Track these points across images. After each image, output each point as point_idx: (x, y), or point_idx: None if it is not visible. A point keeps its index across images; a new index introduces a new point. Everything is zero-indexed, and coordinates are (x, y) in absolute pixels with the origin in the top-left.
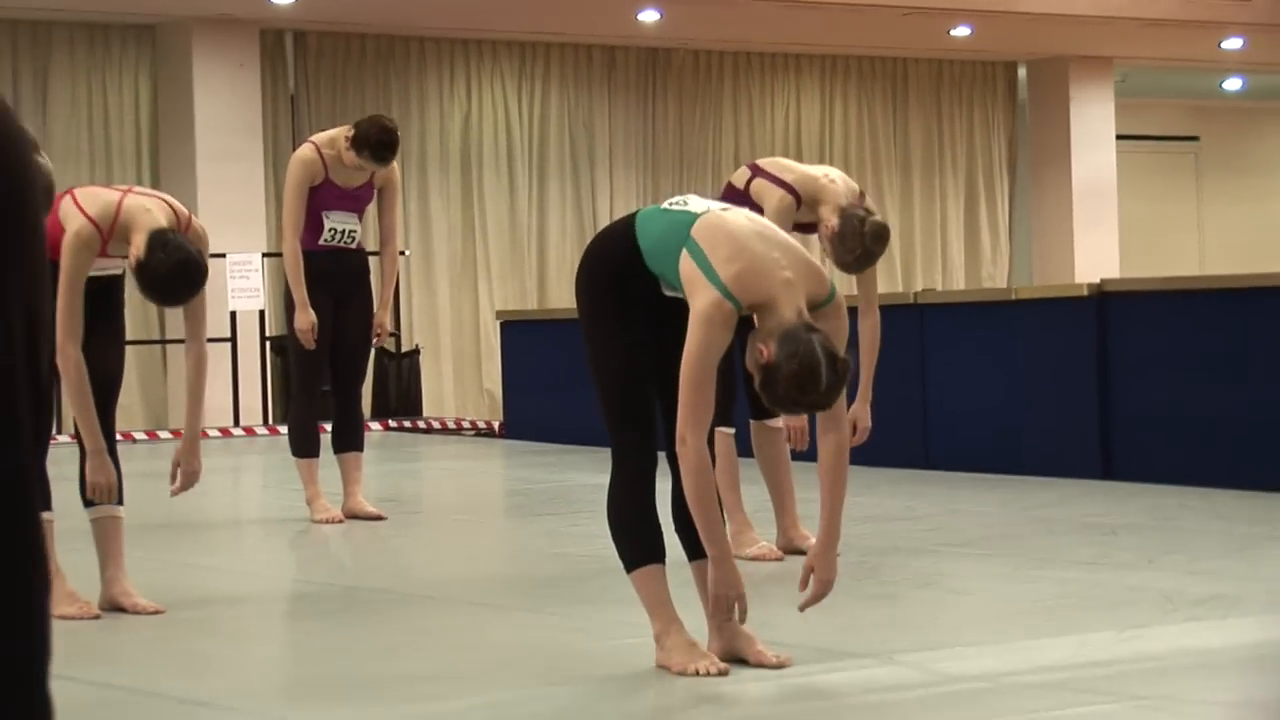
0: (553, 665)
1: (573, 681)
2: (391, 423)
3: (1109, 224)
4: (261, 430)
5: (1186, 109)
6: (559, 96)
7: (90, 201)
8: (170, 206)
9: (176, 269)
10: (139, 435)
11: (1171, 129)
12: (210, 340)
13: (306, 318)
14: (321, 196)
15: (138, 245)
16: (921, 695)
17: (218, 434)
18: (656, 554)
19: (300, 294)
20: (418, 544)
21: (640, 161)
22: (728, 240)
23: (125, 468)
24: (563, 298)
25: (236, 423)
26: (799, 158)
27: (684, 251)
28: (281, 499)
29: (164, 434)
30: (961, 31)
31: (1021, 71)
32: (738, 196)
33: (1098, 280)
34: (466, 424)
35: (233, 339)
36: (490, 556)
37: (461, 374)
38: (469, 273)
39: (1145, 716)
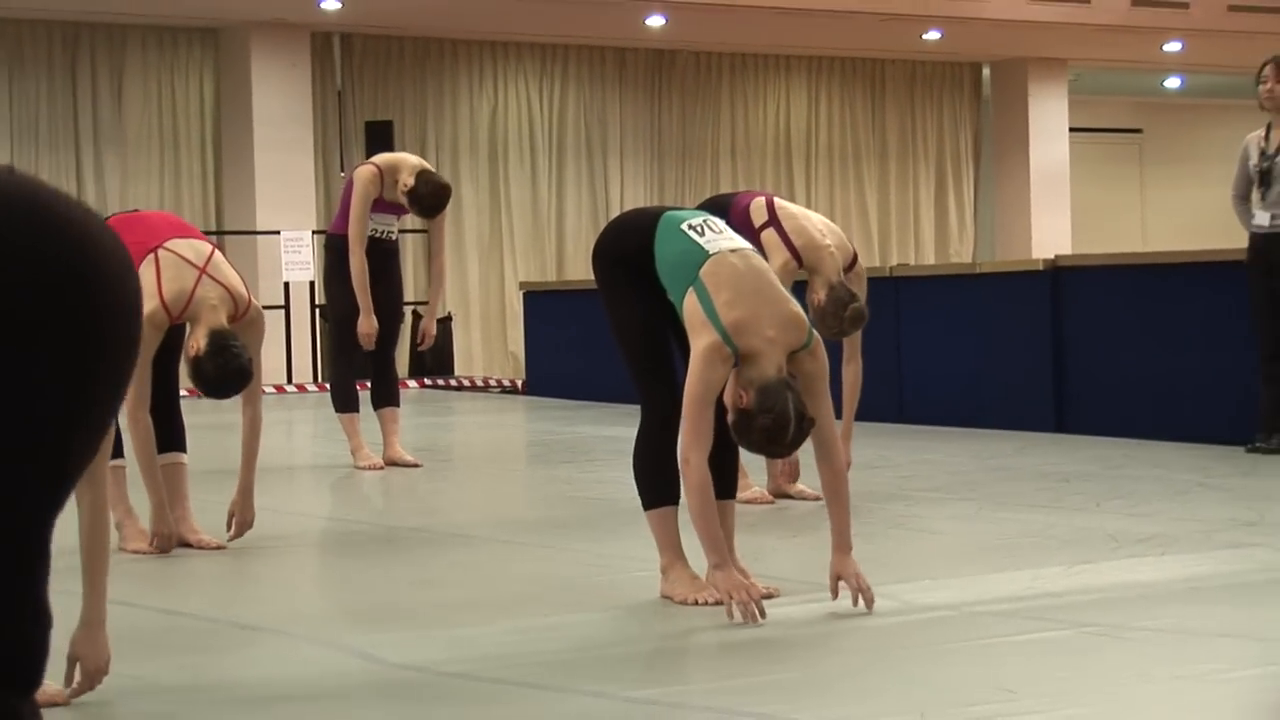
0: (570, 595)
1: (588, 609)
2: (426, 381)
3: (1062, 207)
4: (311, 387)
5: (1132, 105)
6: (575, 93)
7: (169, 280)
8: (233, 297)
9: (227, 376)
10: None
11: (1118, 123)
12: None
13: (370, 323)
14: (373, 204)
15: (198, 340)
16: (895, 622)
17: (273, 390)
18: (671, 497)
19: (365, 301)
20: (450, 488)
21: (647, 151)
22: (730, 286)
23: (189, 420)
24: (579, 270)
25: (289, 380)
26: (788, 148)
27: (691, 290)
28: (329, 449)
29: None
30: (932, 35)
31: (985, 71)
32: (749, 231)
33: (1052, 256)
34: (493, 382)
35: (286, 307)
36: (514, 500)
37: (488, 338)
38: (495, 248)
39: (1092, 641)
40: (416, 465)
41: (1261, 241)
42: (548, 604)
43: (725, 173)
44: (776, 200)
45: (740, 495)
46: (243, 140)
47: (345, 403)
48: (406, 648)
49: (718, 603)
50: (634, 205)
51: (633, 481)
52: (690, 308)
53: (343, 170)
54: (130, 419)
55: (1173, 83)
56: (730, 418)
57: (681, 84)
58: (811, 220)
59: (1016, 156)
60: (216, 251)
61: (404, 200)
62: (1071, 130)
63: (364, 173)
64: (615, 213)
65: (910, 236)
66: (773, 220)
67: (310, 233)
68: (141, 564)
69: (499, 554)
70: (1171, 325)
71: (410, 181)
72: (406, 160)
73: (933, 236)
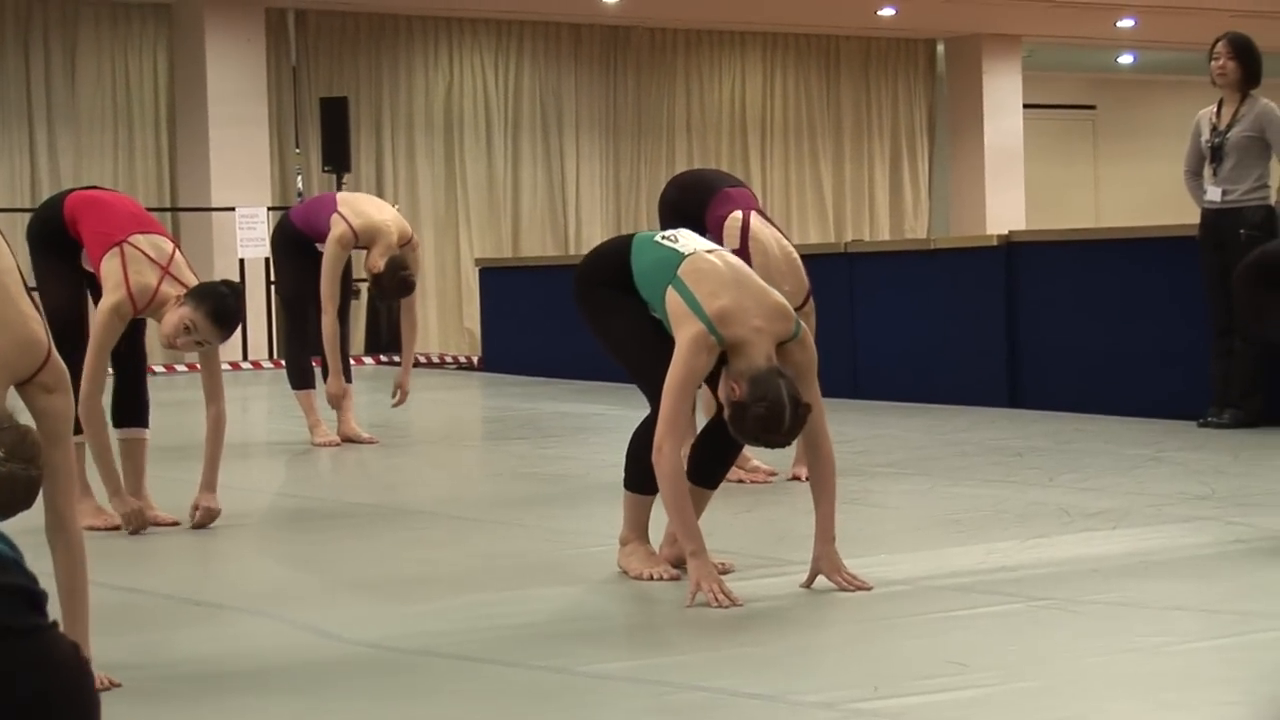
0: (527, 570)
1: (546, 584)
2: (383, 357)
3: (1016, 182)
4: (267, 364)
5: (1085, 81)
6: (531, 69)
7: (135, 274)
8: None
9: None
10: (158, 368)
11: (1072, 99)
12: None
13: (339, 384)
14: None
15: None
16: (849, 597)
17: (228, 367)
18: (654, 489)
19: (335, 364)
20: (406, 465)
21: (602, 127)
22: (711, 279)
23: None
24: (534, 246)
25: (245, 357)
26: (743, 124)
27: (670, 289)
28: (285, 425)
29: (180, 368)
30: (887, 12)
31: (940, 48)
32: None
33: (1006, 232)
34: (449, 358)
35: (241, 283)
36: (470, 476)
37: (444, 314)
38: (451, 224)
39: (1044, 615)
40: (372, 442)
41: (1213, 217)
42: (505, 580)
43: (681, 149)
44: (753, 221)
45: (743, 469)
46: (197, 117)
47: (301, 379)
48: (364, 624)
49: (671, 579)
50: (590, 181)
51: (613, 459)
52: (673, 303)
53: (297, 147)
54: (84, 406)
55: (1126, 59)
56: (725, 413)
57: (637, 60)
58: (775, 257)
59: (971, 133)
60: (177, 251)
61: (366, 272)
62: (1025, 107)
63: (339, 234)
64: (571, 188)
65: (865, 212)
66: (741, 249)
67: (265, 209)
68: (99, 541)
69: (456, 530)
70: (1124, 301)
71: (379, 265)
72: (384, 231)
73: (887, 212)
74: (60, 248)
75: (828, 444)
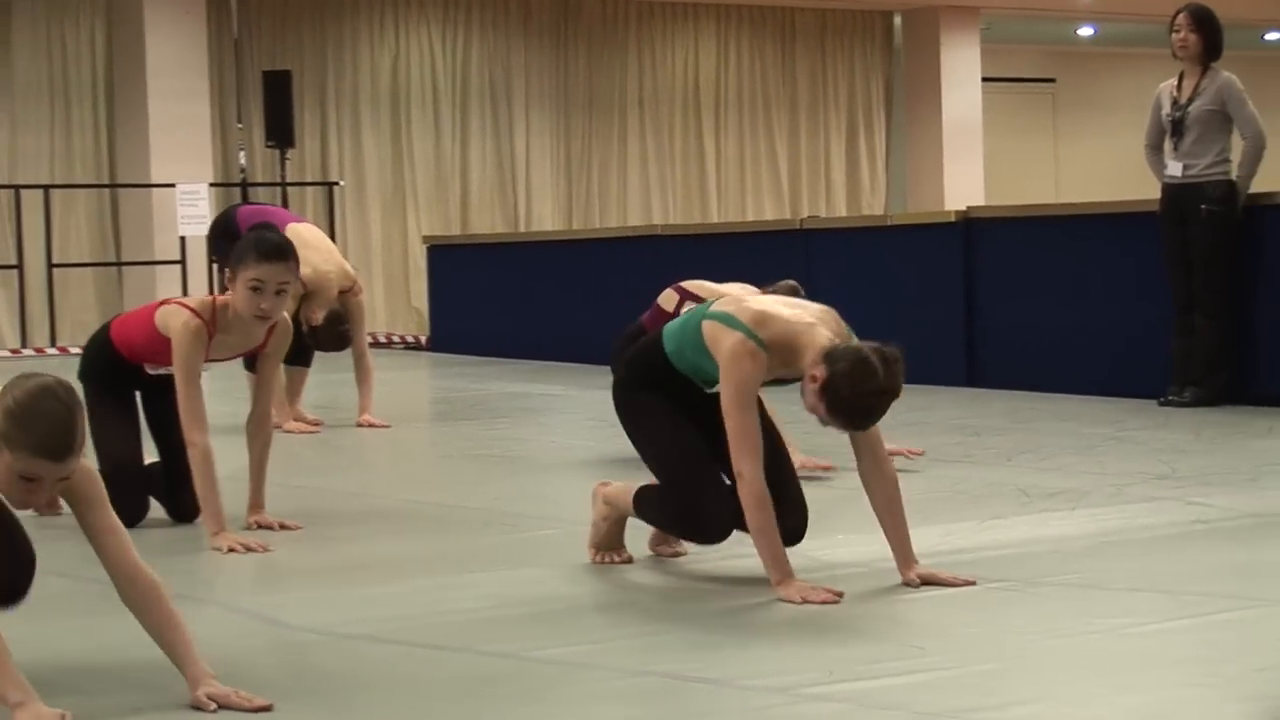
0: (475, 554)
1: (493, 568)
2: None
3: (974, 157)
4: None
5: (1044, 54)
6: (479, 41)
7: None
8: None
9: None
10: None
11: (1031, 72)
12: (162, 263)
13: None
14: None
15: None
16: (803, 580)
17: None
18: (649, 517)
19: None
20: (352, 447)
21: (553, 101)
22: (745, 299)
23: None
24: (483, 223)
25: None
26: (697, 98)
27: (704, 323)
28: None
29: None
30: None
31: (897, 20)
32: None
33: (964, 208)
34: (397, 338)
35: (183, 261)
36: (418, 458)
37: (392, 293)
38: (398, 201)
39: (1002, 597)
40: (318, 424)
41: (1173, 192)
42: (454, 564)
43: (633, 123)
44: (686, 284)
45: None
46: (136, 90)
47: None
48: (307, 609)
49: (625, 561)
50: (540, 157)
51: (564, 441)
52: (710, 330)
53: (240, 122)
54: (189, 444)
55: (1086, 31)
56: (824, 410)
57: (588, 33)
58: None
59: (928, 107)
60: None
61: (302, 321)
62: (984, 80)
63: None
64: (521, 164)
65: (821, 187)
66: (685, 297)
67: (206, 186)
68: (46, 529)
69: (402, 513)
70: (1084, 277)
71: (317, 319)
72: (326, 285)
73: (844, 187)
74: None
75: (889, 463)
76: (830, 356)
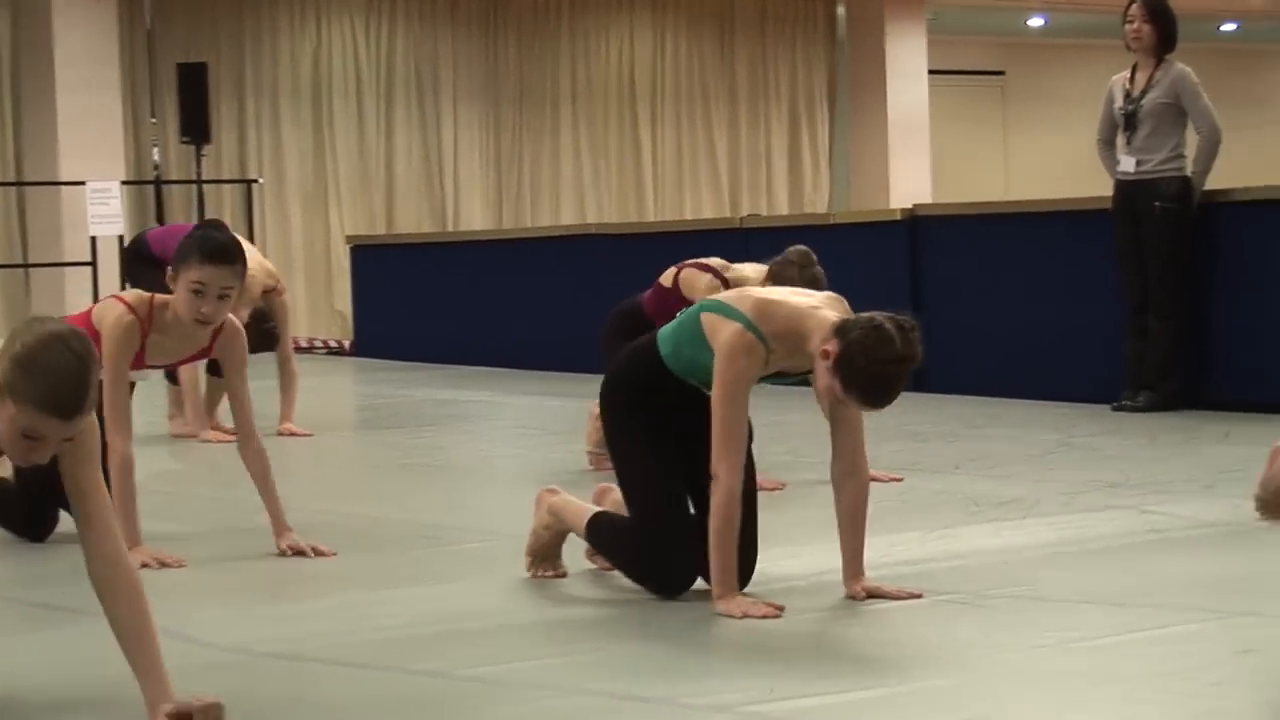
0: (401, 568)
1: (420, 583)
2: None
3: (921, 152)
4: None
5: (993, 45)
6: (405, 31)
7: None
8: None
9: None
10: None
11: (979, 64)
12: (72, 264)
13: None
14: None
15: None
16: (748, 593)
17: None
18: (602, 545)
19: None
20: (272, 456)
21: (482, 92)
22: (745, 290)
23: None
24: (409, 222)
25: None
26: (632, 90)
27: (703, 315)
28: (143, 415)
29: None
30: None
31: (840, 9)
32: (666, 296)
33: (910, 205)
34: (319, 342)
35: (93, 263)
36: (341, 468)
37: (313, 295)
38: (319, 199)
39: (949, 610)
40: (235, 434)
41: (1126, 188)
42: (379, 578)
43: (566, 117)
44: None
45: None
46: (44, 82)
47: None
48: (225, 626)
49: (560, 575)
50: (469, 152)
51: (493, 450)
52: (708, 322)
53: (153, 116)
54: (109, 448)
55: (1036, 22)
56: (839, 388)
57: (518, 22)
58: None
59: (873, 100)
60: None
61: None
62: (930, 72)
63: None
64: (449, 159)
65: (762, 184)
66: (681, 267)
67: (119, 183)
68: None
69: (325, 526)
70: (1035, 277)
71: (243, 319)
72: (249, 284)
73: (786, 184)
74: None
75: (867, 466)
76: (842, 328)
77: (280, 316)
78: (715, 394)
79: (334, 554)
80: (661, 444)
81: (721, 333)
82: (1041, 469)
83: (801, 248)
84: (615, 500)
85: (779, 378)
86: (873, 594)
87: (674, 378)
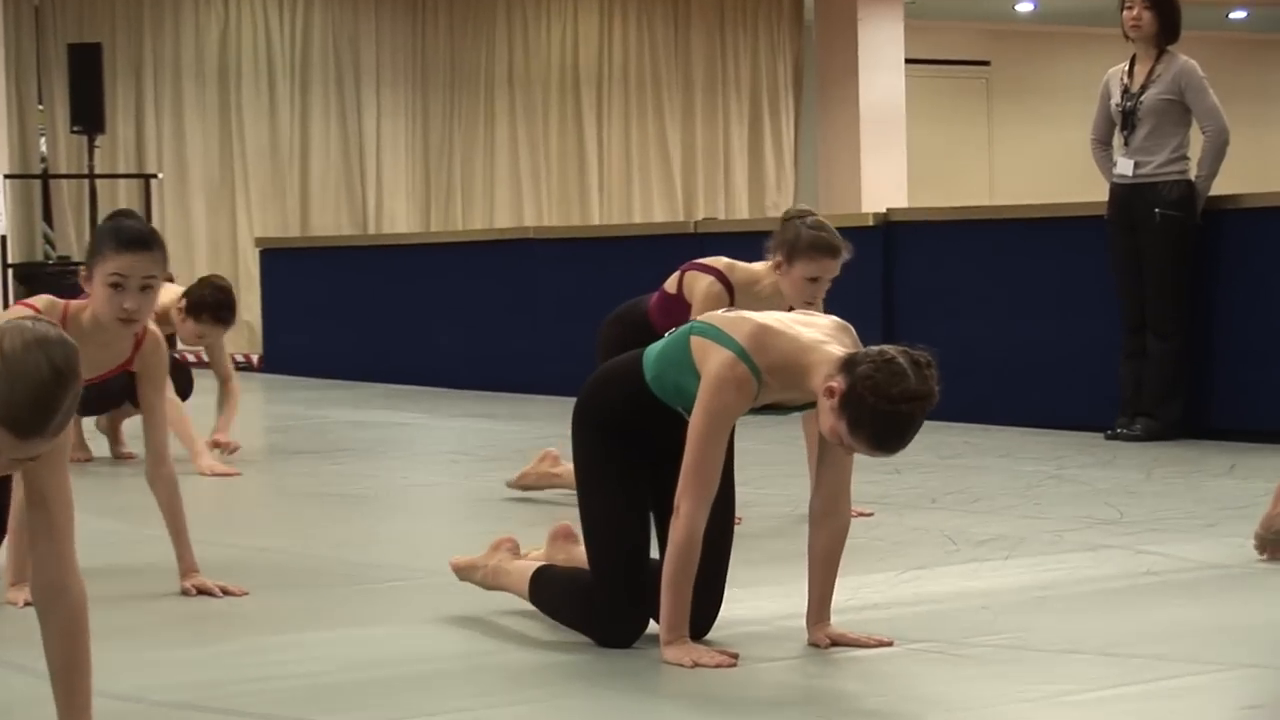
0: (315, 608)
1: (337, 625)
2: None
3: (897, 150)
4: None
5: (977, 32)
6: (322, 10)
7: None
8: None
9: None
10: None
11: (962, 53)
12: None
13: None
14: None
15: None
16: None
17: None
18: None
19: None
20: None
21: (409, 78)
22: (739, 315)
23: None
24: (326, 224)
25: None
26: (575, 78)
27: (693, 338)
28: None
29: None
30: None
31: None
32: (671, 300)
33: (884, 209)
34: None
35: None
36: (249, 498)
37: None
38: (226, 196)
39: (922, 660)
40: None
41: (1124, 193)
42: (288, 620)
43: (502, 106)
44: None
45: None
46: None
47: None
48: (118, 672)
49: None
50: (393, 145)
51: (419, 478)
52: (698, 346)
53: (41, 103)
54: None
55: (1025, 7)
56: (845, 430)
57: (450, 1)
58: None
59: (844, 91)
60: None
61: (194, 330)
62: (908, 62)
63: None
64: (371, 154)
65: (720, 184)
66: (688, 266)
67: (2, 176)
68: None
69: (232, 561)
70: (1021, 291)
71: (181, 304)
72: (176, 302)
73: (746, 185)
74: None
75: (850, 507)
76: (849, 363)
77: (219, 352)
78: (694, 425)
79: (245, 593)
80: (635, 480)
81: (711, 360)
82: (1027, 504)
83: (804, 207)
84: (515, 571)
85: (768, 410)
86: (838, 642)
87: (659, 403)
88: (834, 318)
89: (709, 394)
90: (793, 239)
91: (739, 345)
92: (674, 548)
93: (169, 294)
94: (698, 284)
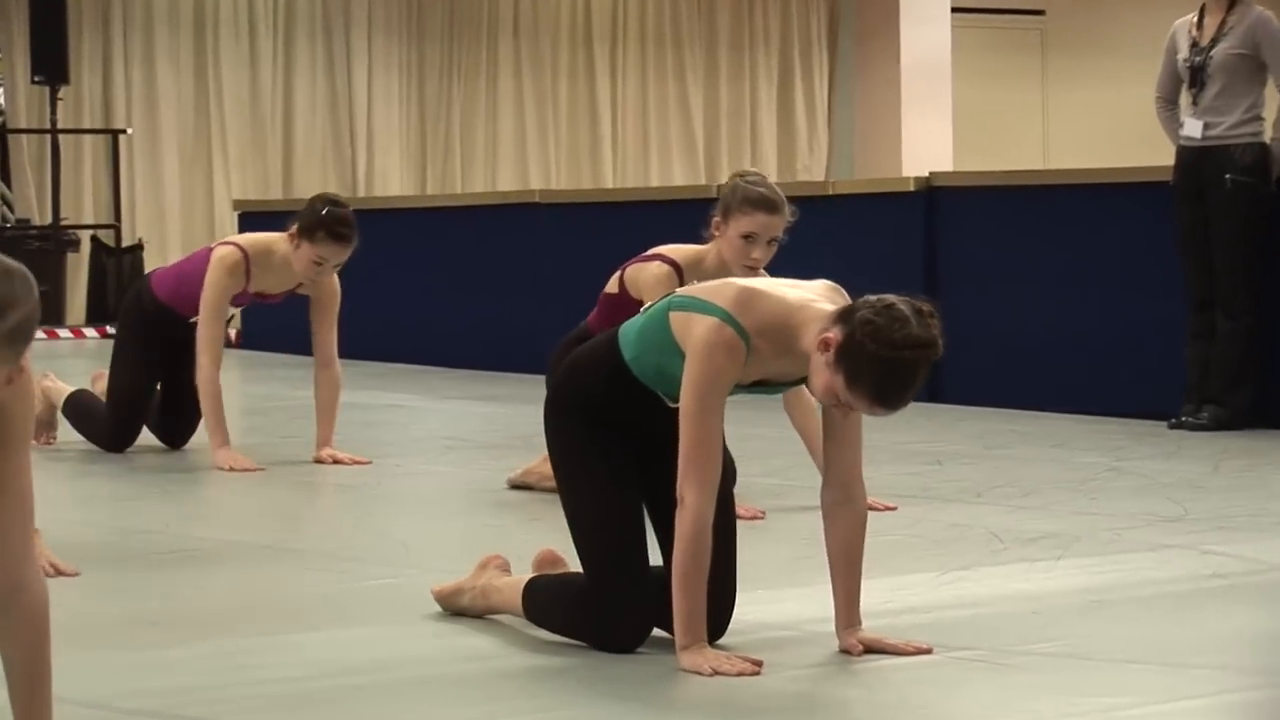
0: (294, 608)
1: (315, 626)
2: (110, 329)
3: (942, 108)
4: None
5: None
6: None
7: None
8: None
9: None
10: None
11: (1014, 2)
12: None
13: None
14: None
15: None
16: (720, 646)
17: None
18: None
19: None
20: (142, 473)
21: (403, 27)
22: (719, 281)
23: None
24: (311, 185)
25: None
26: (588, 30)
27: (672, 314)
28: None
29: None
30: None
31: None
32: (620, 300)
33: (926, 173)
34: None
35: None
36: (224, 486)
37: None
38: (202, 154)
39: (965, 669)
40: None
41: (1191, 157)
42: (268, 621)
43: (506, 57)
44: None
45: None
46: None
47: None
48: (80, 677)
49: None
50: (385, 100)
51: (412, 466)
52: (679, 321)
53: None
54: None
55: None
56: (843, 388)
57: None
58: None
59: (884, 44)
60: None
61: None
62: (954, 11)
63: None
64: (361, 109)
65: (745, 146)
66: (625, 267)
67: None
68: None
69: (207, 557)
70: (1077, 265)
71: (291, 229)
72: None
73: (774, 146)
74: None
75: (864, 491)
76: (845, 312)
77: (326, 297)
78: (685, 402)
79: (76, 573)
80: (623, 467)
81: (695, 329)
82: (1082, 499)
83: (750, 168)
84: (505, 588)
85: (759, 388)
86: (872, 648)
87: (640, 386)
88: (824, 281)
89: (697, 363)
90: (729, 194)
91: (722, 309)
92: (682, 542)
93: (256, 238)
94: (643, 274)
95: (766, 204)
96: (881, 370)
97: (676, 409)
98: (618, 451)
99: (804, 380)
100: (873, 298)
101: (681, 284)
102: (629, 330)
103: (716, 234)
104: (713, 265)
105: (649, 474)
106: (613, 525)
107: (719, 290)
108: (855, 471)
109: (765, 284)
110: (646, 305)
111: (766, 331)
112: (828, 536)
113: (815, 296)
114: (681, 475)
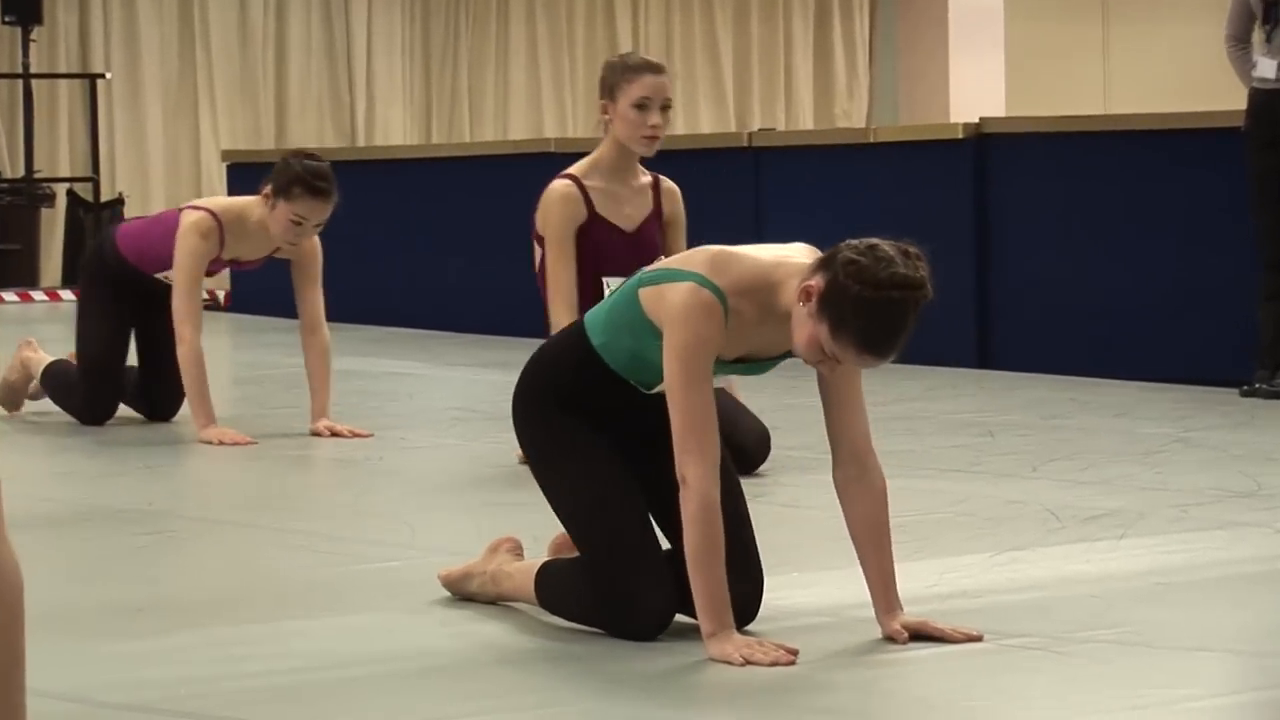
0: (288, 594)
1: (310, 613)
2: None
3: (993, 48)
4: None
5: None
6: None
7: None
8: None
9: None
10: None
11: None
12: None
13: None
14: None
15: None
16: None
17: None
18: (552, 605)
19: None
20: (125, 446)
21: None
22: (693, 250)
23: None
24: (306, 135)
25: None
26: None
27: (640, 290)
28: None
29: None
30: None
31: None
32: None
33: (976, 119)
34: None
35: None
36: (212, 460)
37: None
38: (187, 101)
39: (1021, 658)
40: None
41: (1264, 100)
42: (260, 608)
43: (518, 4)
44: None
45: None
46: None
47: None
48: (58, 667)
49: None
50: (387, 43)
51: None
52: (650, 296)
53: None
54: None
55: None
56: (828, 337)
57: None
58: None
59: None
60: None
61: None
62: None
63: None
64: (361, 53)
65: (779, 90)
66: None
67: None
68: None
69: (195, 539)
70: (1140, 218)
71: (265, 190)
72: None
73: (811, 91)
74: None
75: (880, 470)
76: (827, 258)
77: (306, 258)
78: (669, 374)
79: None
80: (609, 452)
81: (669, 298)
82: (1146, 473)
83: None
84: (517, 573)
85: (742, 364)
86: (918, 634)
87: (613, 375)
88: (801, 243)
89: (676, 329)
90: (608, 74)
91: (696, 273)
92: (691, 524)
93: (229, 203)
94: (550, 198)
95: (650, 66)
96: (867, 314)
97: (658, 394)
98: (600, 436)
99: (790, 353)
100: (855, 240)
101: (585, 197)
102: (596, 315)
103: (606, 118)
104: (608, 160)
105: (639, 461)
106: (611, 502)
107: (689, 258)
108: (865, 441)
109: (739, 247)
110: (611, 290)
111: (745, 291)
112: (848, 517)
113: (792, 253)
114: (679, 453)
